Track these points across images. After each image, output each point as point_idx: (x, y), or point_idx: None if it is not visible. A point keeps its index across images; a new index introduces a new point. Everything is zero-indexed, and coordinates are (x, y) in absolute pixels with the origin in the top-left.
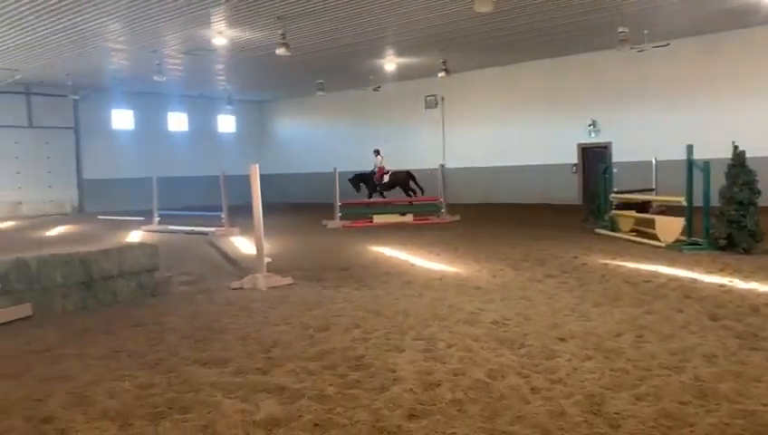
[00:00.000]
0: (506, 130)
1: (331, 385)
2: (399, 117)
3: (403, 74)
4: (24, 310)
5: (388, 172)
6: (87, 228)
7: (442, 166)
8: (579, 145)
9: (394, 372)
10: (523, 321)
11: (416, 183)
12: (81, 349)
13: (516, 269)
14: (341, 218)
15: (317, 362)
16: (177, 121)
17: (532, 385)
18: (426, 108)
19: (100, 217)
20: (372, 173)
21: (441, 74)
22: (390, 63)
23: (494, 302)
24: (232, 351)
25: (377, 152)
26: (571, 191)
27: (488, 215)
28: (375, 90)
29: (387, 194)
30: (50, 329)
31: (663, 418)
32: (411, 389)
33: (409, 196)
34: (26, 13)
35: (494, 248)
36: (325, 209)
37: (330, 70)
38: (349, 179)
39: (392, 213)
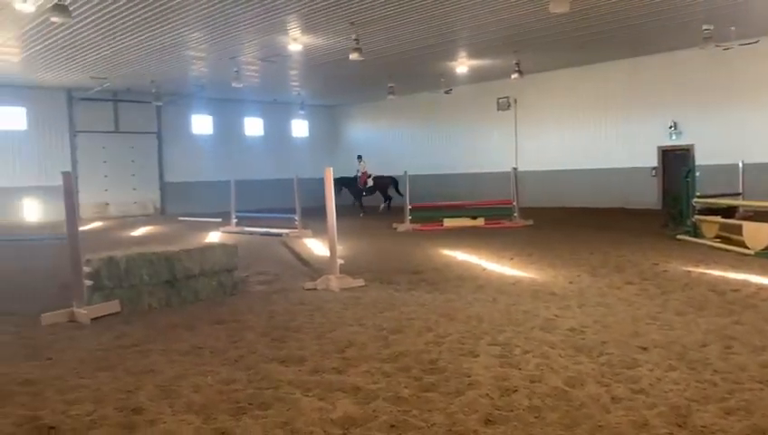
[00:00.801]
0: (581, 132)
1: (405, 387)
2: (471, 119)
3: (475, 76)
4: (114, 306)
5: (370, 177)
6: (169, 229)
7: (514, 169)
8: (659, 147)
9: (469, 376)
10: (602, 328)
11: (397, 189)
12: (166, 344)
13: (593, 275)
14: (411, 222)
15: (391, 363)
16: (253, 126)
17: (613, 394)
18: (498, 110)
19: (180, 218)
20: (356, 178)
21: (514, 76)
22: (462, 66)
23: (571, 308)
24: (308, 350)
25: (359, 158)
26: (649, 195)
27: (563, 219)
28: (446, 92)
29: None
30: (137, 325)
31: (755, 434)
32: (487, 394)
33: (387, 200)
34: (118, 25)
35: (570, 254)
36: (395, 212)
37: (401, 73)
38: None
39: (463, 217)
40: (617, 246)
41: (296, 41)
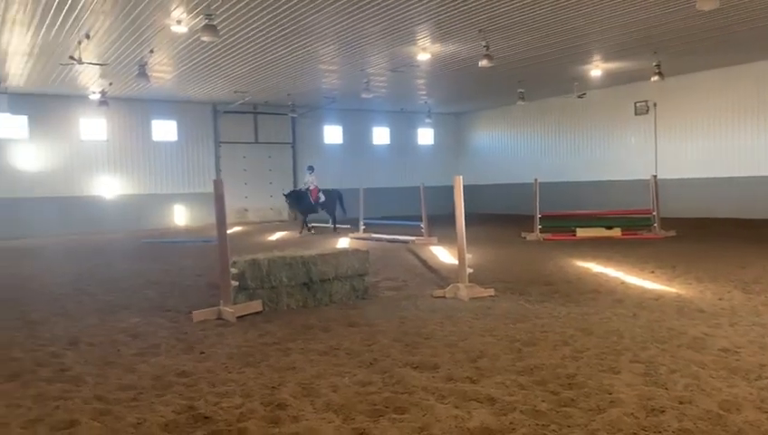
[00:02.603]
0: (729, 137)
1: (543, 401)
2: (606, 124)
3: (610, 80)
4: (256, 306)
5: (320, 191)
6: (303, 234)
7: (654, 176)
8: None
9: (610, 393)
10: (759, 350)
11: (342, 204)
12: (304, 344)
13: (746, 292)
14: (542, 231)
15: (526, 376)
16: (381, 135)
17: None
18: (635, 114)
19: (311, 224)
20: (306, 193)
21: (654, 78)
22: (597, 69)
23: (722, 327)
24: (440, 357)
25: (311, 169)
26: None
27: (709, 230)
28: (579, 96)
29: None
30: (277, 324)
31: None
32: (632, 413)
33: (334, 217)
34: (259, 43)
35: (719, 268)
36: (523, 221)
37: (531, 78)
38: (285, 194)
39: (598, 226)
40: None
41: (425, 50)
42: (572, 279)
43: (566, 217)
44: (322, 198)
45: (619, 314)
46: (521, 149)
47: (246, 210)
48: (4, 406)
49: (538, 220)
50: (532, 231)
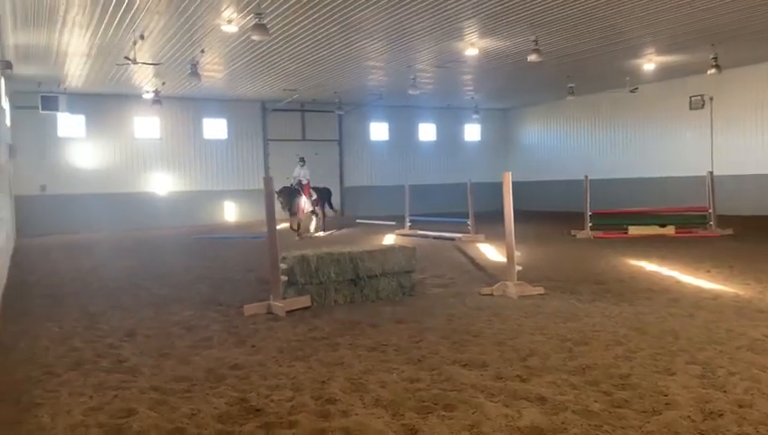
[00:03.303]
0: None
1: (595, 402)
2: (659, 119)
3: (664, 73)
4: (305, 301)
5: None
6: (349, 231)
7: (710, 172)
8: None
9: (666, 395)
10: None
11: (329, 202)
12: (352, 339)
13: None
14: (592, 229)
15: (578, 376)
16: (427, 132)
17: None
18: (690, 109)
19: (357, 220)
20: (300, 188)
21: (711, 71)
22: (650, 63)
23: None
24: (489, 355)
25: (302, 162)
26: None
27: None
28: (632, 91)
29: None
30: (325, 319)
31: None
32: (688, 416)
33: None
34: (307, 41)
35: None
36: (573, 219)
37: (582, 73)
38: (277, 191)
39: (650, 224)
40: None
41: (473, 45)
42: (625, 278)
43: (618, 215)
44: (314, 196)
45: (674, 313)
46: (570, 146)
47: None
48: (68, 394)
49: (588, 218)
50: (583, 229)
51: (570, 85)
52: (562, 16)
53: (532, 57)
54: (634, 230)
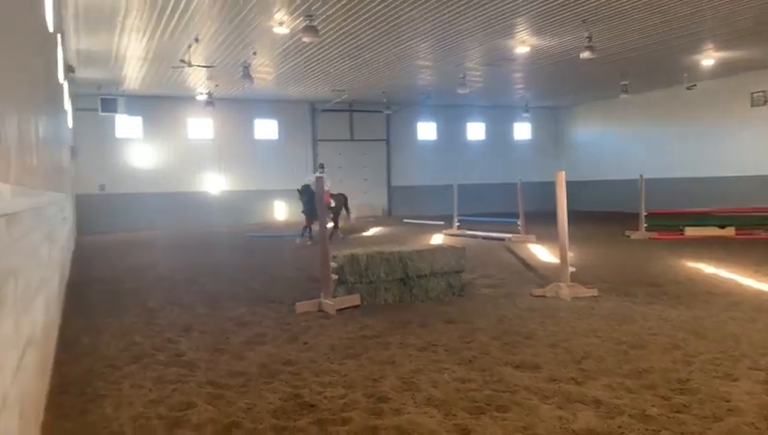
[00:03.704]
0: None
1: (653, 406)
2: (718, 117)
3: (724, 69)
4: (355, 299)
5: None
6: (395, 230)
7: None
8: None
9: (728, 401)
10: None
11: (346, 206)
12: (402, 339)
13: None
14: (647, 229)
15: (634, 379)
16: (475, 131)
17: None
18: (752, 106)
19: (405, 220)
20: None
21: None
22: (709, 59)
23: None
24: (542, 357)
25: (322, 167)
26: None
27: None
28: (689, 88)
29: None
30: (376, 318)
31: None
32: (752, 423)
33: (338, 222)
34: (356, 42)
35: None
36: (627, 219)
37: (636, 70)
38: (299, 190)
39: (709, 225)
40: None
41: (523, 43)
42: (682, 280)
43: (674, 215)
44: (332, 203)
45: (734, 317)
46: (624, 144)
47: None
48: (129, 386)
49: (643, 218)
50: (637, 229)
51: (623, 83)
52: (617, 11)
53: (585, 54)
54: (691, 231)
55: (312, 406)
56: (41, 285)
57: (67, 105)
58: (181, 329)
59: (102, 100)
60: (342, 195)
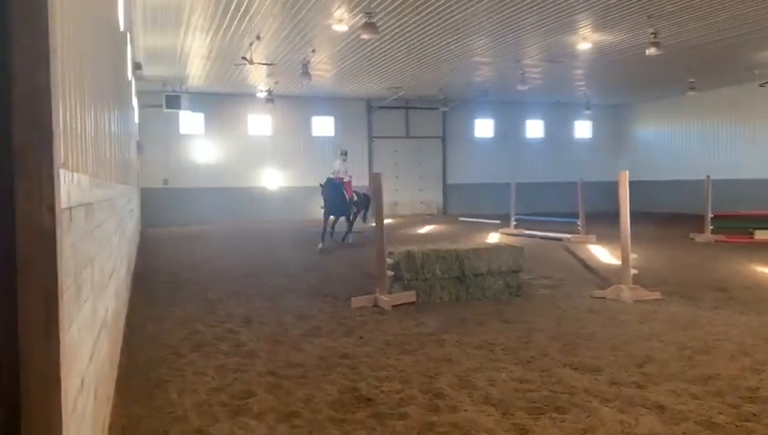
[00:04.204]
0: None
1: (720, 413)
2: None
3: None
4: (410, 296)
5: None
6: (451, 228)
7: None
8: None
9: None
10: None
11: (366, 209)
12: (459, 337)
13: None
14: (713, 232)
15: (700, 386)
16: (534, 128)
17: None
18: None
19: (460, 218)
20: (341, 185)
21: None
22: None
23: None
24: (603, 360)
25: (344, 155)
26: None
27: None
28: (762, 85)
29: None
30: (431, 315)
31: None
32: None
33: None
34: (415, 39)
35: None
36: (692, 221)
37: (704, 67)
38: (322, 184)
39: None
40: None
41: (586, 39)
42: (751, 285)
43: (742, 218)
44: (355, 198)
45: None
46: (690, 144)
47: (397, 203)
48: (192, 374)
49: (710, 220)
50: (703, 232)
51: (690, 80)
52: (684, 6)
53: (651, 51)
54: (761, 235)
55: (369, 400)
56: (112, 274)
57: (134, 101)
58: (241, 320)
59: (167, 96)
60: (366, 195)
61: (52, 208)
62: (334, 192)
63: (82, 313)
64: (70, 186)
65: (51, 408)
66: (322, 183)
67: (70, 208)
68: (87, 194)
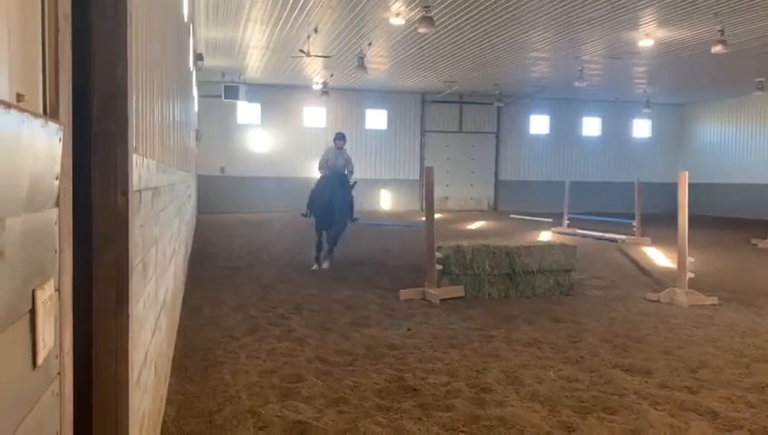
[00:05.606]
0: None
1: None
2: None
3: None
4: (459, 291)
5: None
6: (501, 225)
7: None
8: None
9: None
10: None
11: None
12: (507, 333)
13: None
14: None
15: (756, 394)
16: (591, 126)
17: None
18: None
19: (512, 215)
20: (345, 179)
21: None
22: None
23: None
24: (654, 363)
25: (340, 139)
26: None
27: None
28: None
29: None
30: (479, 311)
31: None
32: None
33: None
34: (472, 32)
35: None
36: (755, 226)
37: None
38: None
39: None
40: None
41: (648, 36)
42: None
43: None
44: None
45: None
46: (756, 146)
47: (447, 198)
48: (245, 356)
49: None
50: (766, 238)
51: (758, 80)
52: (753, 4)
53: (717, 48)
54: None
55: (415, 390)
56: (172, 256)
57: (194, 91)
58: (292, 307)
59: (226, 87)
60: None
61: (125, 191)
62: (341, 191)
63: (147, 290)
64: (140, 170)
65: (119, 376)
66: (319, 181)
67: (140, 191)
68: (154, 178)
